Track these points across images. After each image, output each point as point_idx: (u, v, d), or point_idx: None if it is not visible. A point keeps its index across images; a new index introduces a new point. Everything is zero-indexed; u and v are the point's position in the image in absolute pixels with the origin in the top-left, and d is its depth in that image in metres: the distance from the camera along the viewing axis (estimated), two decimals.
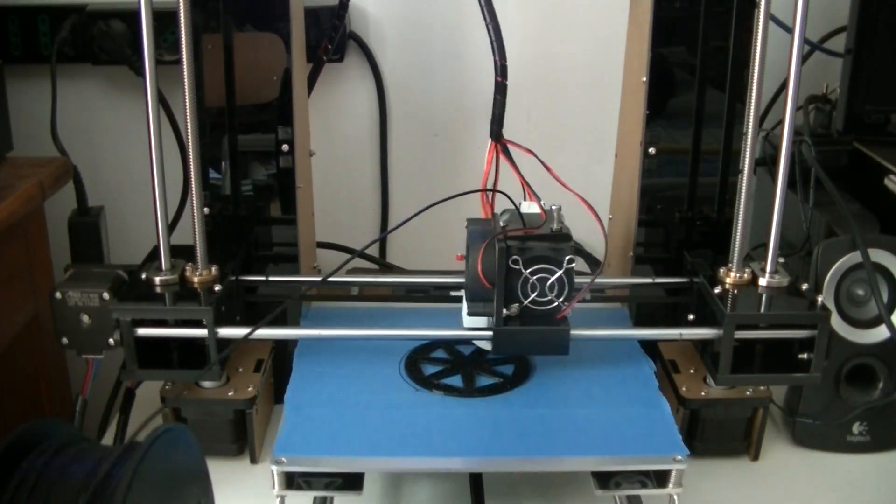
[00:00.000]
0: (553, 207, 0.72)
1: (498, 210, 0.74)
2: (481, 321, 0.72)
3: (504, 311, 0.69)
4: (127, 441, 0.52)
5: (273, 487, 0.66)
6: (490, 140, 0.73)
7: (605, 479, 0.67)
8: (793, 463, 0.79)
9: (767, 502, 0.74)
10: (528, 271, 0.69)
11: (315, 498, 0.68)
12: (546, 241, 0.69)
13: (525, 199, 0.73)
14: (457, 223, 0.75)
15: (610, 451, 0.68)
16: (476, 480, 0.72)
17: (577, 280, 0.70)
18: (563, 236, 0.70)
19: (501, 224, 0.71)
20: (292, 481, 0.67)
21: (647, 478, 0.68)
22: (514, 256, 0.68)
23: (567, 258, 0.69)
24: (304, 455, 0.66)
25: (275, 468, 0.65)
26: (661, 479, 0.67)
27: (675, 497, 0.67)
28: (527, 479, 0.76)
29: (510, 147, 0.73)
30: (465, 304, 0.73)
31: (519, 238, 0.69)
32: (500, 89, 0.72)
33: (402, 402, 0.73)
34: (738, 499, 0.74)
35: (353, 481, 0.67)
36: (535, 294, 0.69)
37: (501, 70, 0.72)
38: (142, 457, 0.46)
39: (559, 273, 0.69)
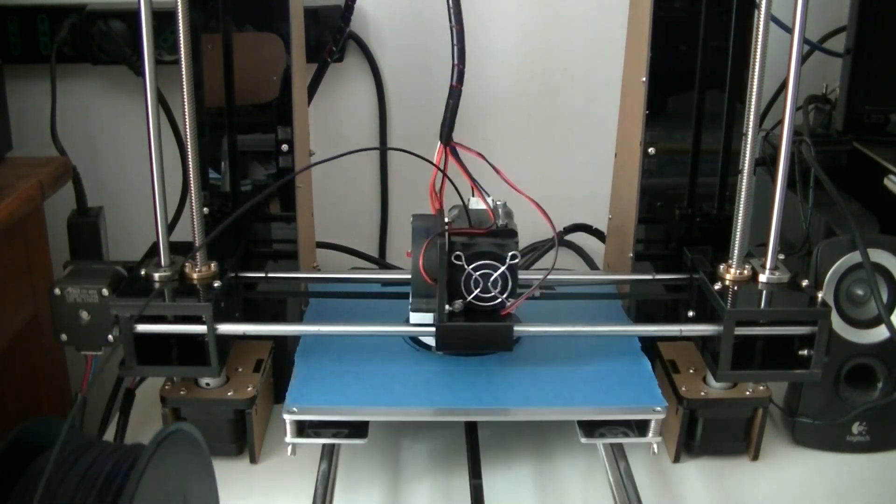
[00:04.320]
0: (498, 203, 0.72)
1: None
2: (427, 317, 0.72)
3: (447, 307, 0.69)
4: (133, 442, 0.52)
5: (286, 436, 0.69)
6: (439, 143, 0.73)
7: (590, 429, 0.71)
8: (792, 463, 0.78)
9: (767, 502, 0.74)
10: (470, 267, 0.68)
11: (323, 447, 0.71)
12: (490, 237, 0.70)
13: (473, 196, 0.74)
14: None
15: (595, 403, 0.71)
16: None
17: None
18: (507, 232, 0.70)
19: (448, 220, 0.71)
20: (302, 430, 0.70)
21: (629, 427, 0.71)
22: (457, 252, 0.68)
23: (510, 254, 0.69)
24: (314, 405, 0.70)
25: (287, 417, 0.68)
26: (641, 428, 0.71)
27: (655, 445, 0.71)
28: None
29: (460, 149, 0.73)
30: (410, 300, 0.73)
31: (462, 234, 0.69)
32: (454, 94, 0.71)
33: (405, 361, 0.76)
34: (737, 499, 0.74)
35: (358, 429, 0.70)
36: (479, 290, 0.69)
37: (459, 75, 0.71)
38: (149, 457, 0.46)
39: (502, 269, 0.69)
